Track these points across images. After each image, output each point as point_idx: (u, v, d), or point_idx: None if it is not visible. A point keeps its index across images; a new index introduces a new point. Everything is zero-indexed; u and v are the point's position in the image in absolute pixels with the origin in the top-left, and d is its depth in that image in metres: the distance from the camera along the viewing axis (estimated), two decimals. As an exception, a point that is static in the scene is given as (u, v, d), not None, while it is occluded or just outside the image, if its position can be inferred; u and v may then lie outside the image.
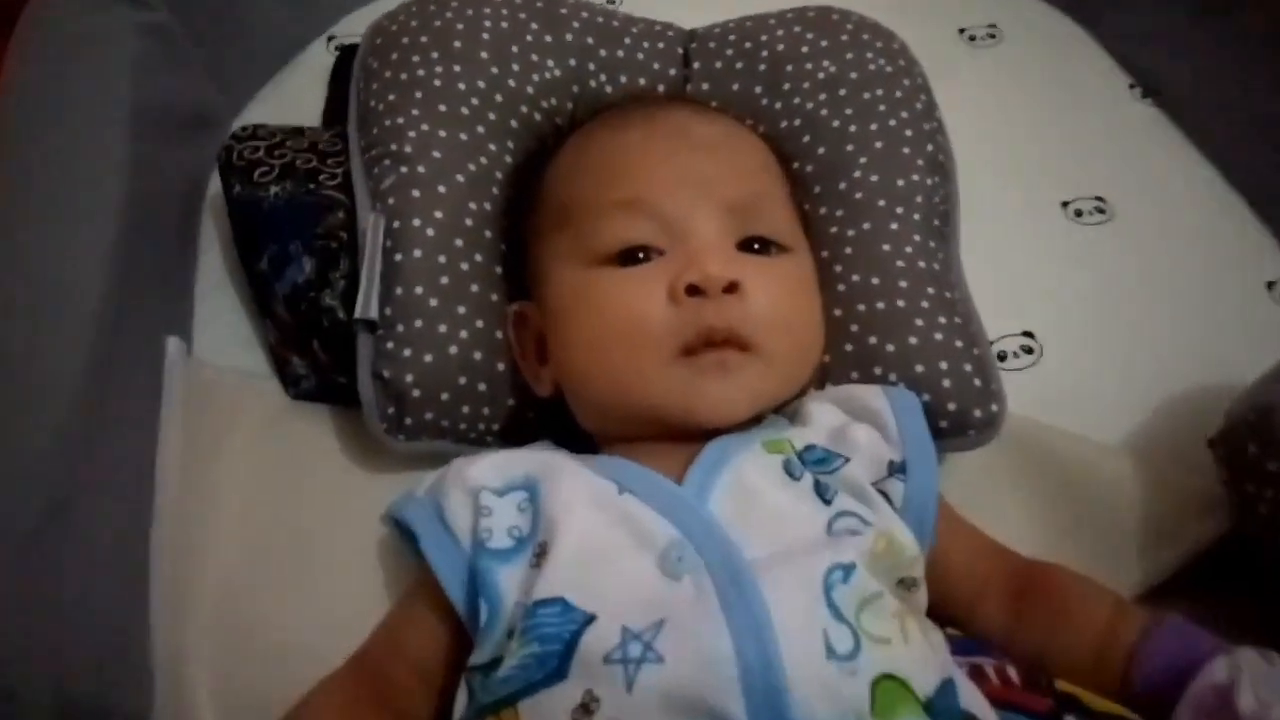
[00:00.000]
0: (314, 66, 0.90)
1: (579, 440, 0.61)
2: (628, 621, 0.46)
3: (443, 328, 0.62)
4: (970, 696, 0.49)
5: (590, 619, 0.46)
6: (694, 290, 0.54)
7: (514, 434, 0.65)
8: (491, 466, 0.56)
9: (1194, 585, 0.64)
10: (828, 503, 0.52)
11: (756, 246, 0.58)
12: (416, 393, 0.62)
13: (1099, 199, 0.85)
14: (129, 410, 0.63)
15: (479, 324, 0.63)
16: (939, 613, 0.56)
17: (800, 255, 0.61)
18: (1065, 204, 0.85)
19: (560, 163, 0.64)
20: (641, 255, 0.57)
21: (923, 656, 0.48)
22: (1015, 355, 0.75)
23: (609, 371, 0.57)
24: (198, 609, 0.60)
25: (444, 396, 0.62)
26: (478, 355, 0.63)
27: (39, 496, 0.53)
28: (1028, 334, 0.76)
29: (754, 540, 0.49)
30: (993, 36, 1.00)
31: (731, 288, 0.55)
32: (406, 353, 0.62)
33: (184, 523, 0.62)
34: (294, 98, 0.87)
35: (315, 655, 0.55)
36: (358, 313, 0.62)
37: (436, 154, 0.66)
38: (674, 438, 0.55)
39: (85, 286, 0.60)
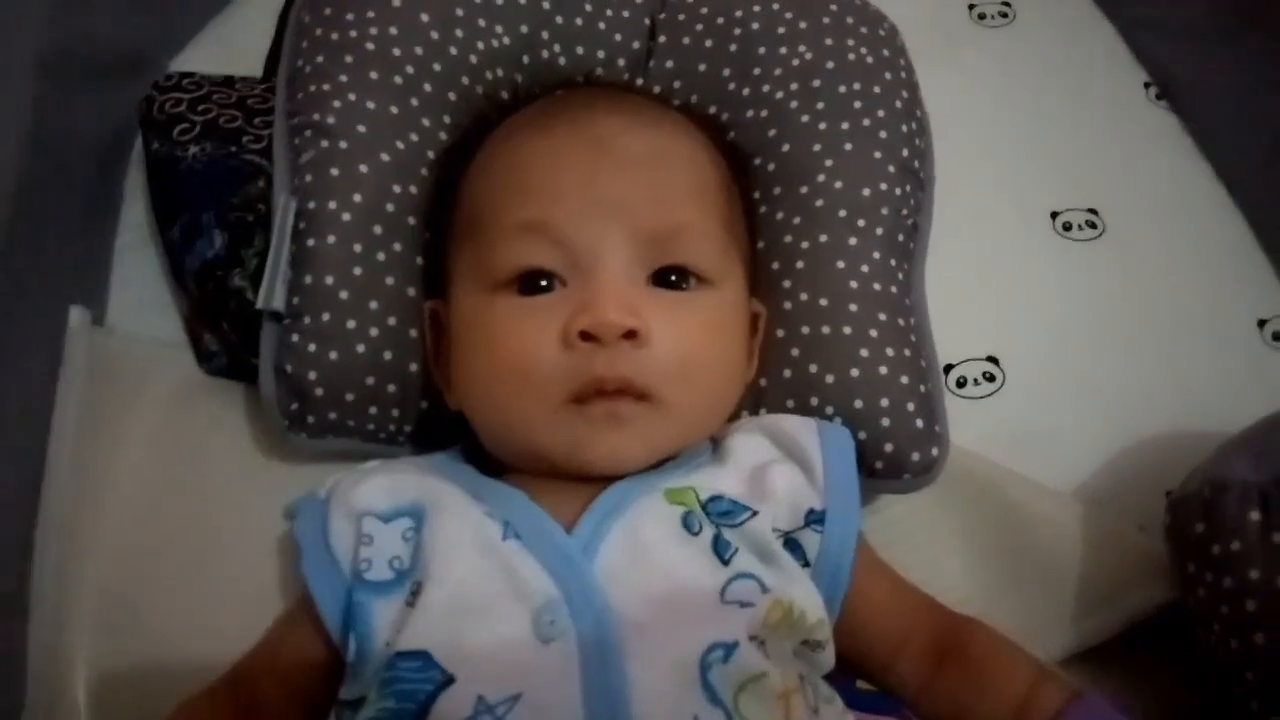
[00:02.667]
0: (266, 2, 0.83)
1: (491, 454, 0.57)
2: (485, 690, 0.43)
3: (352, 323, 0.58)
4: (861, 772, 0.46)
5: (448, 680, 0.44)
6: (588, 336, 0.50)
7: (427, 438, 0.62)
8: (380, 488, 0.53)
9: (1129, 648, 0.61)
10: (725, 563, 0.49)
11: (674, 278, 0.54)
12: (320, 391, 0.58)
13: (1091, 211, 0.79)
14: (21, 381, 0.60)
15: (391, 321, 0.59)
16: (852, 664, 0.54)
17: (724, 290, 0.56)
18: (1055, 215, 0.79)
19: (476, 165, 0.58)
20: (544, 283, 0.52)
21: (806, 740, 0.45)
22: (975, 382, 0.71)
23: (498, 411, 0.53)
24: (81, 601, 0.57)
25: (349, 396, 0.59)
26: (388, 354, 0.59)
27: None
28: (992, 359, 0.72)
29: (637, 605, 0.46)
30: (1005, 15, 0.92)
31: (630, 335, 0.50)
32: (312, 348, 0.58)
33: (74, 507, 0.59)
34: (239, 39, 0.81)
35: (202, 659, 0.53)
36: (261, 302, 0.58)
37: (361, 128, 0.61)
38: (572, 477, 0.51)
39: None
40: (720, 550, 0.49)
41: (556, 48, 0.69)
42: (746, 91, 0.68)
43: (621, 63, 0.71)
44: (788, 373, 0.60)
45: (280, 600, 0.58)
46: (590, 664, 0.43)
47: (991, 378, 0.71)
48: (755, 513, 0.51)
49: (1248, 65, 0.80)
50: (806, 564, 0.52)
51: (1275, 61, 0.78)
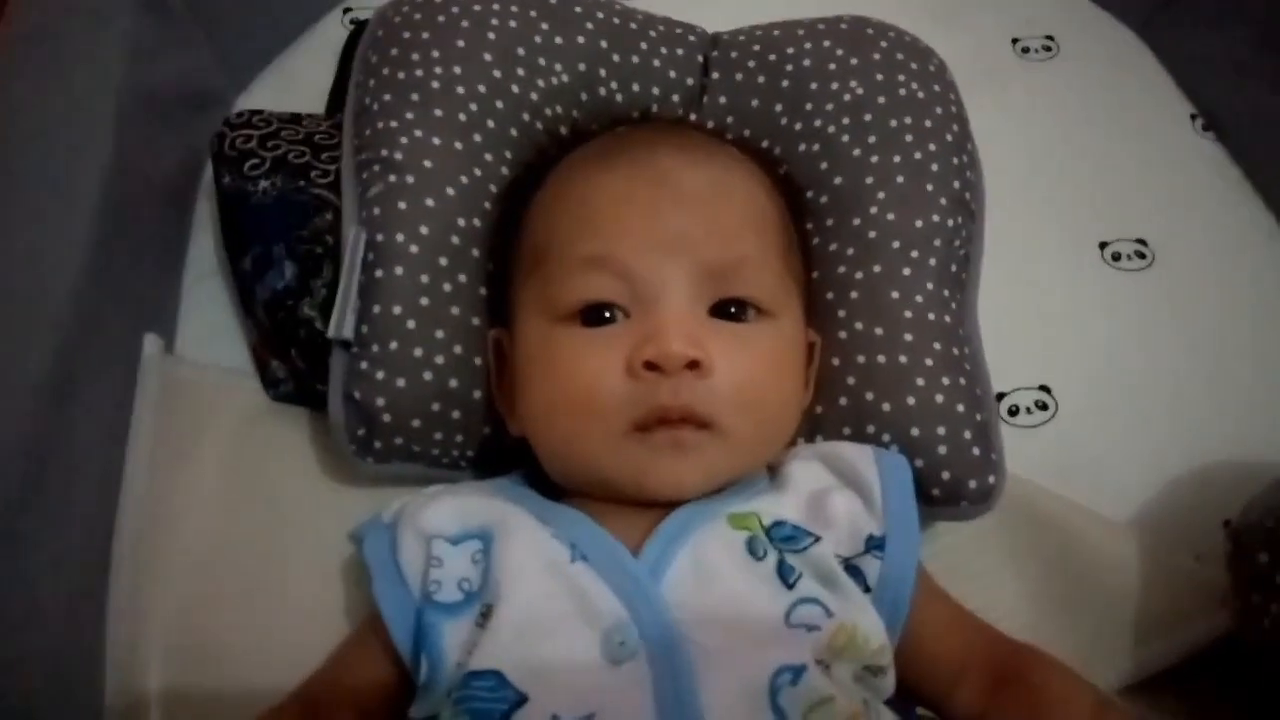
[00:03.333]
0: (326, 41, 0.86)
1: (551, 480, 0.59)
2: (558, 709, 0.44)
3: (419, 352, 0.60)
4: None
5: (522, 700, 0.45)
6: (652, 366, 0.51)
7: (489, 463, 0.63)
8: (448, 511, 0.54)
9: (1186, 677, 0.60)
10: (790, 587, 0.49)
11: (734, 310, 0.55)
12: (387, 417, 0.60)
13: (1140, 242, 0.80)
14: (100, 407, 0.62)
15: (457, 349, 0.61)
16: (911, 691, 0.54)
17: (783, 321, 0.57)
18: (1103, 245, 0.79)
19: (541, 198, 0.60)
20: (608, 315, 0.54)
21: (873, 763, 0.45)
22: (1028, 411, 0.71)
23: (562, 439, 0.54)
24: (155, 620, 0.59)
25: (415, 423, 0.60)
26: (454, 382, 0.61)
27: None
28: (1044, 388, 0.72)
29: (705, 628, 0.47)
30: (1048, 49, 0.93)
31: (693, 365, 0.51)
32: (380, 375, 0.60)
33: (149, 529, 0.61)
34: (302, 76, 0.84)
35: (272, 673, 0.54)
36: (332, 331, 0.60)
37: (428, 163, 0.63)
38: (635, 503, 0.52)
39: (58, 278, 0.58)
40: (784, 575, 0.50)
41: (614, 84, 0.71)
42: (799, 126, 0.70)
43: (676, 99, 0.72)
44: (844, 401, 0.61)
45: (345, 622, 0.59)
46: (662, 686, 0.44)
47: (1044, 406, 0.71)
48: (818, 538, 0.52)
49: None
50: (867, 589, 0.53)
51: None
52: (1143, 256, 0.79)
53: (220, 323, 0.72)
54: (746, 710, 0.44)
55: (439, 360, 0.60)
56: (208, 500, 0.63)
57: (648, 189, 0.55)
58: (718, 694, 0.44)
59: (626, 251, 0.54)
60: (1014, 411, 0.71)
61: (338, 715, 0.53)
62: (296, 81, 0.84)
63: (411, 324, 0.60)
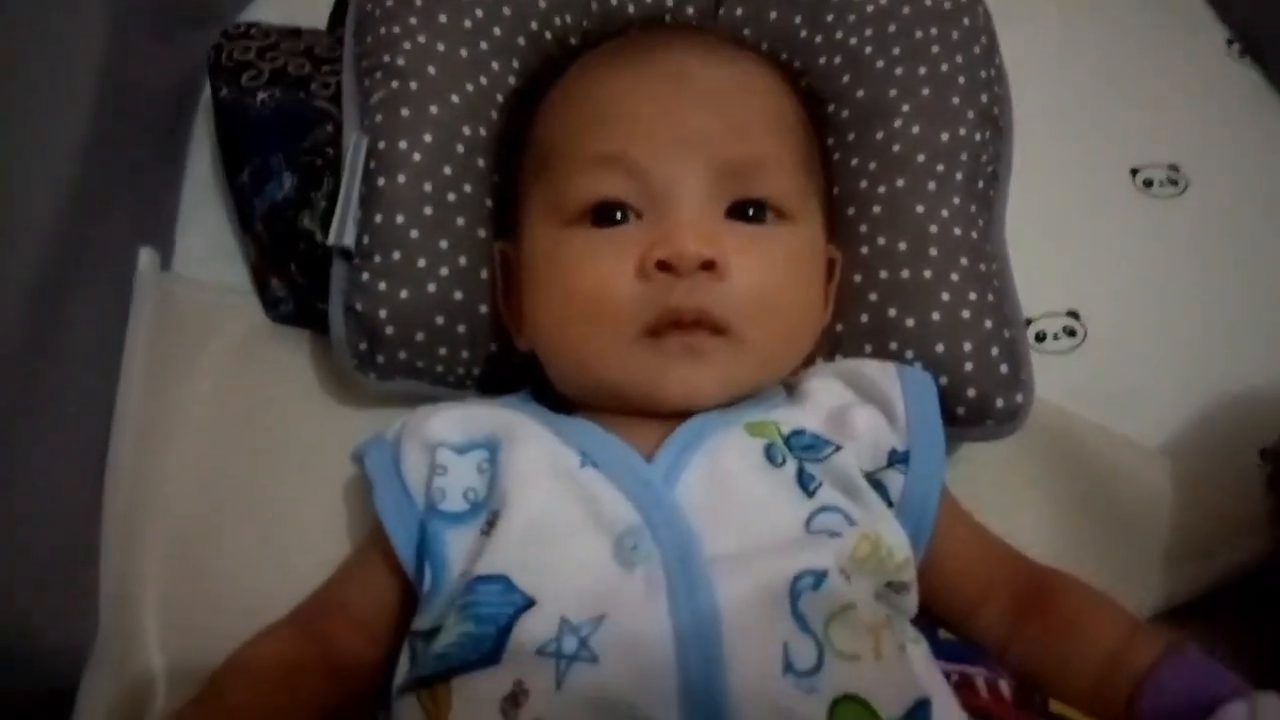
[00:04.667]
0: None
1: (560, 396, 0.56)
2: (568, 612, 0.42)
3: (422, 262, 0.58)
4: (947, 714, 0.44)
5: (529, 603, 0.43)
6: (665, 266, 0.49)
7: (495, 381, 0.61)
8: (454, 420, 0.52)
9: (1216, 606, 0.58)
10: (810, 495, 0.47)
11: (751, 212, 0.52)
12: (390, 330, 0.58)
13: (1173, 168, 0.77)
14: (94, 325, 0.60)
15: (462, 261, 0.59)
16: (933, 613, 0.52)
17: (803, 225, 0.54)
18: (1134, 171, 0.76)
19: (551, 100, 0.58)
20: (619, 215, 0.51)
21: (894, 676, 0.43)
22: (1055, 337, 0.68)
23: (572, 345, 0.52)
24: (151, 538, 0.57)
25: (419, 336, 0.58)
26: (458, 295, 0.58)
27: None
28: (1072, 314, 0.69)
29: (721, 533, 0.45)
30: (1078, -28, 0.89)
31: (708, 265, 0.49)
32: (382, 286, 0.57)
33: (144, 446, 0.59)
34: (305, -5, 0.81)
35: (270, 597, 0.53)
36: (332, 239, 0.58)
37: (432, 69, 0.60)
38: (647, 413, 0.50)
39: (47, 186, 0.56)
40: (804, 482, 0.48)
41: (626, -7, 0.68)
42: (819, 39, 0.67)
43: (690, 10, 0.69)
44: (865, 318, 0.59)
45: (346, 542, 0.57)
46: (677, 590, 0.42)
47: (1072, 332, 0.69)
48: (839, 447, 0.49)
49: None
50: (890, 504, 0.50)
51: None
52: (1175, 183, 0.76)
53: (219, 243, 0.70)
54: (766, 615, 0.42)
55: (443, 271, 0.58)
56: (206, 421, 0.61)
57: (663, 84, 0.53)
58: (736, 598, 0.42)
59: (639, 148, 0.51)
60: (1041, 338, 0.68)
61: (339, 632, 0.51)
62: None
63: (414, 234, 0.58)
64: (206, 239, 0.70)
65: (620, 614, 0.42)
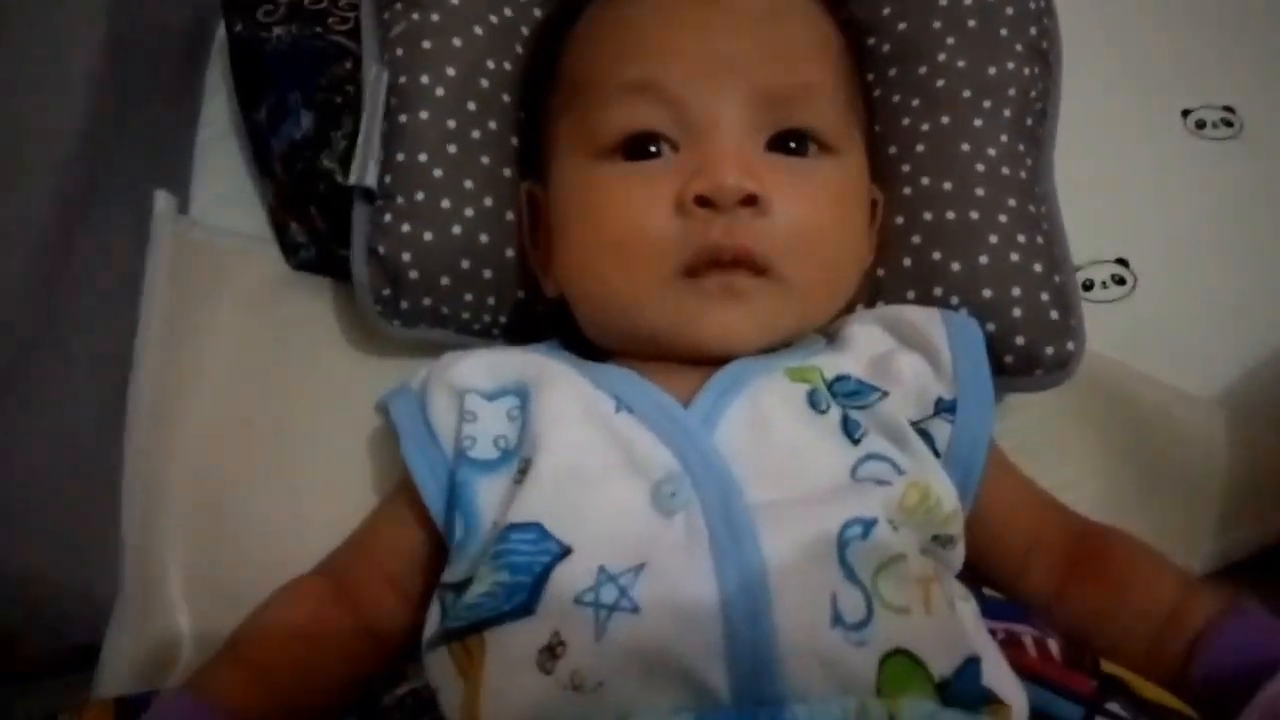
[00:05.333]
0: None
1: (590, 346, 0.54)
2: (606, 560, 0.40)
3: (446, 203, 0.55)
4: (996, 673, 0.42)
5: (565, 551, 0.41)
6: (704, 201, 0.46)
7: (521, 329, 0.59)
8: (482, 366, 0.50)
9: (1273, 566, 0.56)
10: (855, 442, 0.45)
11: (793, 145, 0.49)
12: (414, 274, 0.56)
13: (1227, 109, 0.73)
14: (109, 268, 0.58)
15: (487, 202, 0.56)
16: (979, 570, 0.50)
17: (846, 159, 0.52)
18: (1186, 113, 0.73)
19: (578, 30, 0.55)
20: (653, 149, 0.49)
21: (945, 631, 0.41)
22: (1104, 285, 0.66)
23: (604, 286, 0.50)
24: (173, 488, 0.56)
25: (444, 280, 0.56)
26: (484, 237, 0.56)
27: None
28: (1121, 261, 0.66)
29: (763, 480, 0.43)
30: (1129, -93, 0.85)
31: (749, 200, 0.46)
32: (405, 228, 0.55)
33: (163, 395, 0.58)
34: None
35: (294, 548, 0.52)
36: (353, 178, 0.55)
37: (454, 0, 0.58)
38: (683, 359, 0.48)
39: (59, 127, 0.54)
40: (849, 429, 0.46)
41: (659, -78, 0.65)
42: (859, -33, 0.63)
43: (724, -62, 0.66)
44: (908, 261, 0.56)
45: (370, 493, 0.56)
46: (719, 537, 0.40)
47: (1121, 281, 0.66)
48: (885, 394, 0.47)
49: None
50: (936, 454, 0.48)
51: None
52: (1229, 125, 0.73)
53: (236, 188, 0.68)
54: (813, 564, 0.40)
55: (468, 213, 0.56)
56: (226, 371, 0.60)
57: (698, 8, 0.50)
58: (781, 546, 0.40)
59: (674, 76, 0.48)
60: (1089, 286, 0.65)
61: (367, 586, 0.49)
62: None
63: (438, 173, 0.56)
64: (223, 184, 0.68)
65: (661, 562, 0.40)
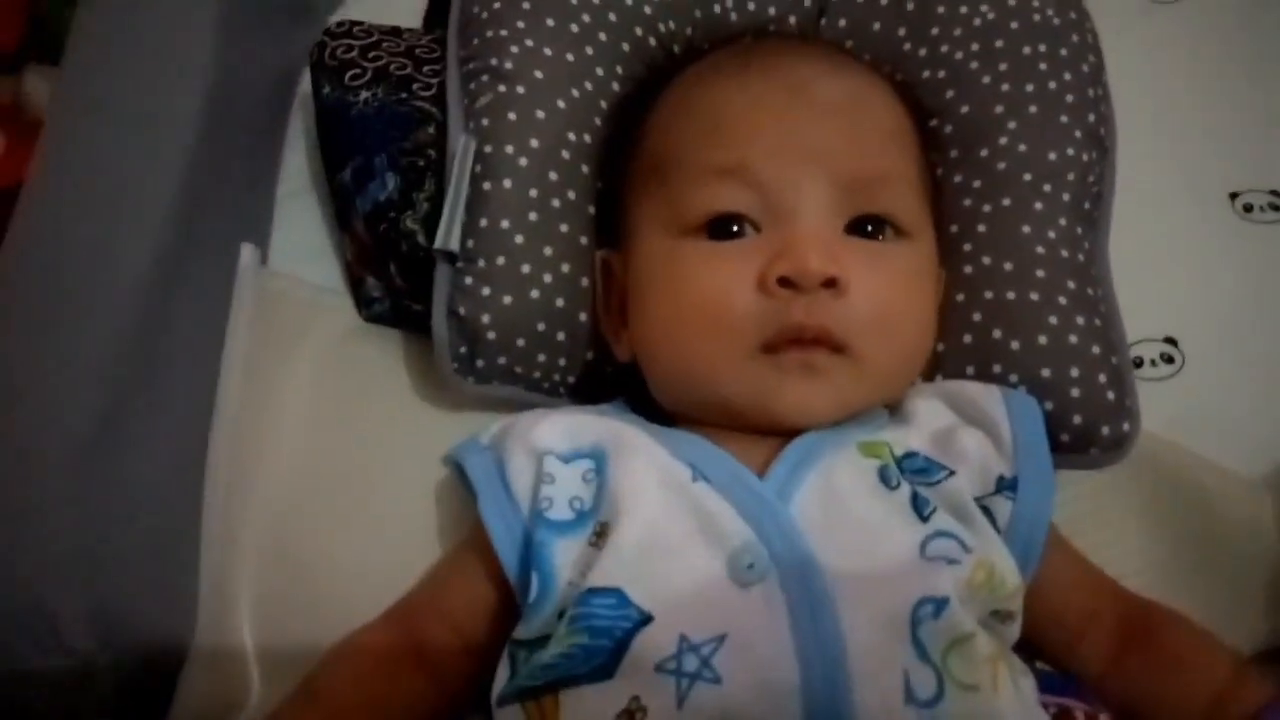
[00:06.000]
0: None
1: (656, 408, 0.56)
2: (687, 629, 0.42)
3: (526, 268, 0.58)
4: (1055, 749, 0.44)
5: (646, 619, 0.43)
6: (786, 282, 0.48)
7: (589, 390, 0.61)
8: (560, 429, 0.52)
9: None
10: (924, 519, 0.47)
11: (870, 228, 0.52)
12: (492, 335, 0.58)
13: (1274, 194, 0.75)
14: (197, 318, 0.60)
15: (565, 268, 0.58)
16: (1034, 644, 0.52)
17: (921, 243, 0.54)
18: (1234, 196, 0.75)
19: (662, 109, 0.57)
20: (735, 229, 0.51)
21: (1012, 708, 0.43)
22: (1153, 363, 0.67)
23: (683, 356, 0.52)
24: (248, 534, 0.57)
25: (520, 342, 0.58)
26: (560, 301, 0.58)
27: (96, 403, 0.51)
28: (1170, 340, 0.68)
29: (838, 554, 0.44)
30: (1177, -9, 0.87)
31: (830, 283, 0.48)
32: (485, 291, 0.57)
33: (242, 441, 0.60)
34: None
35: (362, 597, 0.53)
36: (438, 242, 0.58)
37: (539, 74, 0.60)
38: (755, 429, 0.50)
39: (159, 188, 0.57)
40: (919, 507, 0.47)
41: (729, 2, 0.67)
42: (923, 52, 0.66)
43: (793, 20, 0.69)
44: (968, 338, 0.58)
45: (437, 544, 0.57)
46: (799, 611, 0.42)
47: (1170, 359, 0.67)
48: (953, 472, 0.49)
49: None
50: (998, 531, 0.50)
51: None
52: (1277, 209, 0.74)
53: (311, 241, 0.70)
54: (888, 640, 0.41)
55: (546, 278, 0.58)
56: (301, 418, 0.61)
57: (782, 96, 0.52)
58: (858, 622, 0.41)
59: (759, 160, 0.51)
60: (1139, 364, 0.67)
61: (435, 633, 0.51)
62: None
63: (519, 239, 0.58)
64: (299, 238, 0.70)
65: (743, 635, 0.41)
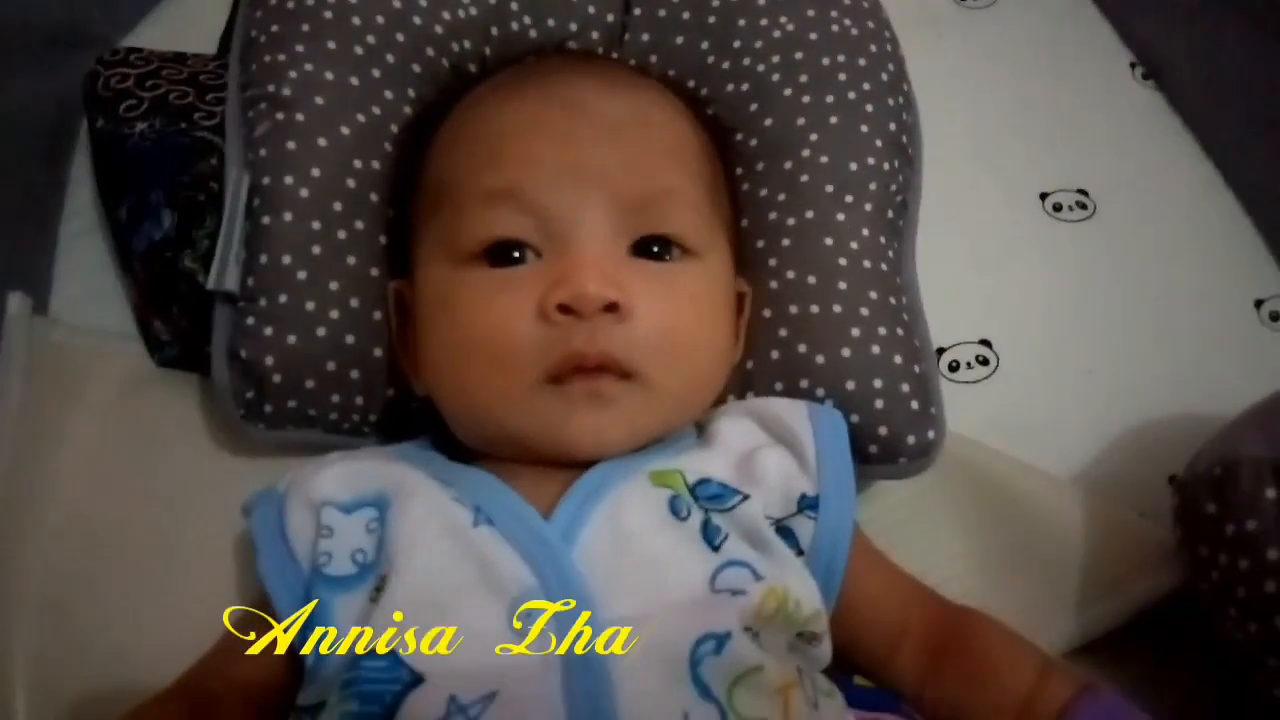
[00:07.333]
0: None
1: (459, 443, 0.54)
2: (457, 690, 0.39)
3: (311, 305, 0.55)
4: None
5: (417, 680, 0.40)
6: (567, 310, 0.47)
7: (395, 429, 0.58)
8: (341, 477, 0.49)
9: (1132, 639, 0.58)
10: (715, 549, 0.45)
11: (656, 249, 0.50)
12: (277, 378, 0.55)
13: (1081, 192, 0.77)
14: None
15: (353, 302, 0.56)
16: (850, 659, 0.51)
17: (711, 261, 0.53)
18: (1044, 196, 0.77)
19: (444, 133, 0.55)
20: (516, 254, 0.49)
21: (806, 735, 0.41)
22: (969, 366, 0.68)
23: (468, 391, 0.50)
24: (23, 607, 0.53)
25: (310, 384, 0.55)
26: (350, 338, 0.55)
27: None
28: (985, 342, 0.69)
29: (621, 595, 0.43)
30: (988, -3, 0.90)
31: (612, 308, 0.47)
32: (268, 331, 0.54)
33: (13, 507, 0.55)
34: (194, 18, 0.77)
35: (152, 664, 0.49)
36: (212, 283, 0.54)
37: (319, 100, 0.57)
38: (550, 461, 0.48)
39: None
40: (710, 536, 0.46)
41: (527, 19, 0.66)
42: (726, 65, 0.65)
43: (595, 35, 0.68)
44: (775, 354, 0.57)
45: (236, 601, 0.54)
46: (571, 660, 0.40)
47: (985, 361, 0.68)
48: (746, 497, 0.48)
49: (1233, 44, 0.79)
50: (800, 552, 0.49)
51: (1261, 39, 0.76)
52: (1084, 207, 0.76)
53: (102, 283, 0.66)
54: (665, 684, 0.40)
55: (334, 314, 0.55)
56: (83, 469, 0.58)
57: (560, 115, 0.51)
58: (633, 668, 0.40)
59: (536, 184, 0.49)
60: (954, 367, 0.68)
61: (224, 705, 0.47)
62: (186, 23, 0.77)
63: (302, 275, 0.55)
64: (88, 281, 0.66)
65: (511, 691, 0.39)
